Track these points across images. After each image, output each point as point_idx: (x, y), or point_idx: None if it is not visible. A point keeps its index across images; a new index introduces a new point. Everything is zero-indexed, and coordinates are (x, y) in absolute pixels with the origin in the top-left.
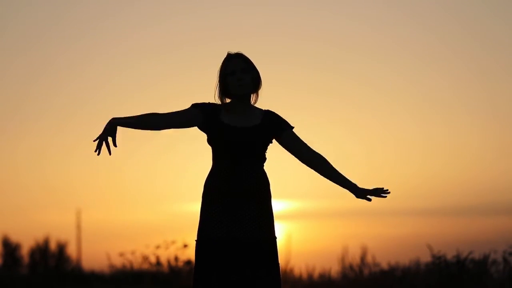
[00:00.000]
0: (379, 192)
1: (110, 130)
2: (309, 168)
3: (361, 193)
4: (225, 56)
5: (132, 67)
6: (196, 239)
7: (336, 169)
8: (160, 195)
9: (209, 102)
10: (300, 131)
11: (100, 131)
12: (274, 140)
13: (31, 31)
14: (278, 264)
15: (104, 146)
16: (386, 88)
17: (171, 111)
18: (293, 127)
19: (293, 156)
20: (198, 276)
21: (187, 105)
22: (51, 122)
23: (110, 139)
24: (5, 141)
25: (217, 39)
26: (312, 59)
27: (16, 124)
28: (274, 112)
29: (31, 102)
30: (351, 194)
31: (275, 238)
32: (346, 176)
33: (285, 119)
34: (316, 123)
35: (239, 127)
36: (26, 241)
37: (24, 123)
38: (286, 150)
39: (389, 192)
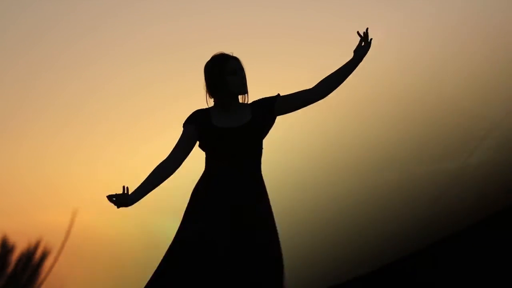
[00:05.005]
0: (365, 36)
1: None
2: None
3: (360, 48)
4: (215, 57)
5: (132, 67)
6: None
7: (337, 71)
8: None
9: (196, 111)
10: (299, 131)
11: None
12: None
13: (31, 31)
14: (281, 264)
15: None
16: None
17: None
18: (278, 94)
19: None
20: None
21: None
22: (51, 122)
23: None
24: (5, 141)
25: (217, 40)
26: (311, 59)
27: (16, 124)
28: (258, 99)
29: (31, 102)
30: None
31: (278, 242)
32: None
33: (268, 96)
34: (315, 122)
35: (231, 127)
36: (26, 241)
37: (24, 123)
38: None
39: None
